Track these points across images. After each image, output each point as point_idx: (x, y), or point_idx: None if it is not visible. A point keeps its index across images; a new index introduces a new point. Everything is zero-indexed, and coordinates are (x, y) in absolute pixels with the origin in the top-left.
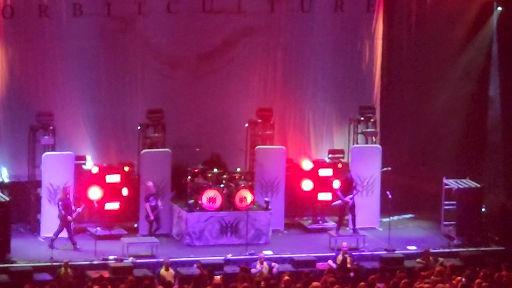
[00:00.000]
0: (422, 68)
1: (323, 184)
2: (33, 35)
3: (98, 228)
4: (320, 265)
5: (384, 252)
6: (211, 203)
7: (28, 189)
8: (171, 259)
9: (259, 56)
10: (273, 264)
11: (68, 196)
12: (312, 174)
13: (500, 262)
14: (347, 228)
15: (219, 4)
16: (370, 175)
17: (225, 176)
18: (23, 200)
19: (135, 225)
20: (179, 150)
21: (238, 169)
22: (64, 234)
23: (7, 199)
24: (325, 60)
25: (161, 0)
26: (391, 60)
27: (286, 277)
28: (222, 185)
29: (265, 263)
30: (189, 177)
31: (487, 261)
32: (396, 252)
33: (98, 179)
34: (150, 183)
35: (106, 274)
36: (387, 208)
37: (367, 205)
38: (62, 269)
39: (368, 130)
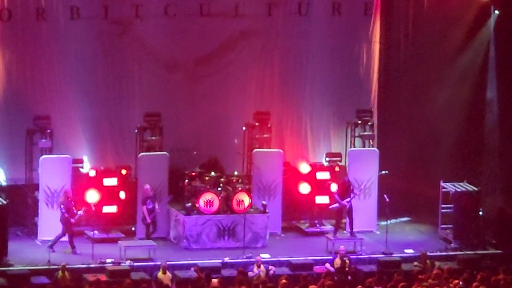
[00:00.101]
0: (419, 71)
1: (320, 187)
2: (30, 38)
3: (96, 232)
4: (317, 269)
5: (382, 256)
6: (208, 206)
7: (26, 192)
8: (168, 263)
9: (257, 59)
10: (270, 267)
11: (69, 199)
12: (309, 177)
13: (497, 266)
14: (345, 232)
15: (216, 7)
16: (367, 178)
17: (222, 179)
18: (21, 203)
19: (133, 229)
20: (176, 153)
21: (236, 172)
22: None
23: (5, 202)
24: (323, 63)
25: (158, 3)
26: (389, 63)
27: (284, 281)
28: (219, 188)
29: (262, 266)
30: (187, 180)
31: (484, 264)
32: (393, 255)
33: (95, 182)
34: (147, 186)
35: (103, 277)
36: (384, 212)
37: (365, 208)
38: (60, 272)
39: (366, 133)
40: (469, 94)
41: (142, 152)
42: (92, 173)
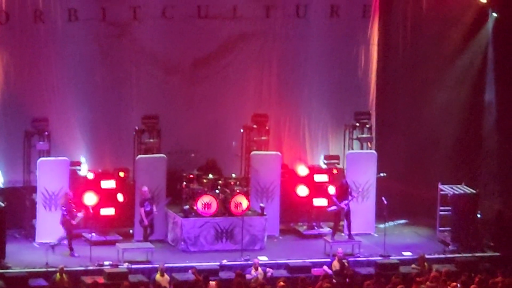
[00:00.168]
0: (417, 73)
1: (318, 189)
2: (28, 40)
3: (93, 234)
4: (315, 271)
5: (380, 258)
6: (206, 208)
7: (23, 195)
8: (166, 265)
9: (255, 61)
10: (267, 269)
11: (70, 201)
12: (307, 180)
13: (495, 268)
14: (343, 234)
15: (214, 9)
16: (365, 181)
17: (220, 181)
18: (18, 205)
19: (130, 231)
20: (174, 156)
21: (234, 175)
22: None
23: (2, 204)
24: (321, 65)
25: (156, 5)
26: (387, 65)
27: (281, 283)
28: (217, 191)
29: (260, 269)
30: (184, 183)
31: (482, 267)
32: (391, 258)
33: (93, 185)
34: (145, 188)
35: (101, 279)
36: (382, 214)
37: (363, 211)
38: (58, 274)
39: (364, 136)
40: (467, 96)
41: (140, 154)
42: (90, 176)
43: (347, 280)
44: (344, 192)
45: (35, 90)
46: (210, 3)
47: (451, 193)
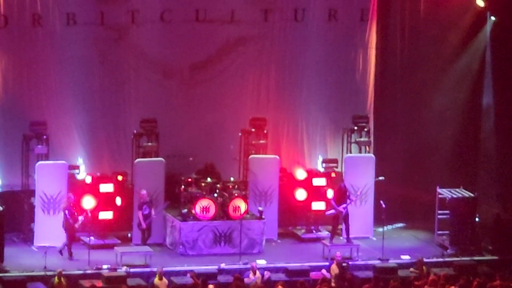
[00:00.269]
0: (415, 77)
1: (316, 193)
2: (26, 44)
3: (92, 238)
4: (313, 275)
5: (378, 262)
6: (204, 212)
7: (22, 198)
8: (164, 269)
9: (253, 65)
10: (265, 272)
11: (72, 204)
12: (305, 184)
13: (493, 272)
14: (341, 238)
15: (212, 13)
16: (363, 184)
17: (218, 185)
18: (17, 209)
19: (129, 235)
20: (172, 159)
21: (232, 179)
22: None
23: (1, 208)
24: (319, 69)
25: (154, 9)
26: (385, 69)
27: (280, 287)
28: (215, 195)
29: (257, 272)
30: (183, 187)
31: (480, 270)
32: (389, 261)
33: (91, 189)
34: (144, 192)
35: (99, 283)
36: (380, 218)
37: (361, 214)
38: (56, 278)
39: (362, 139)
40: (466, 100)
41: (138, 158)
42: (88, 179)
43: (346, 284)
44: (342, 195)
45: (33, 94)
46: (208, 7)
47: (450, 196)
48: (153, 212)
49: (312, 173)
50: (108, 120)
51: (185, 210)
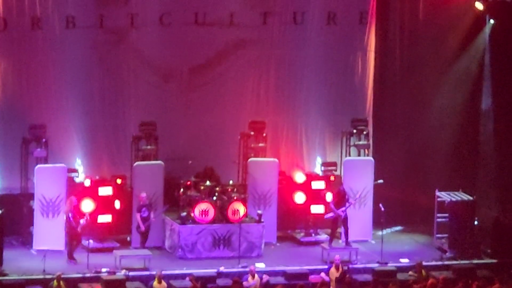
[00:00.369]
0: (414, 80)
1: (315, 196)
2: (26, 47)
3: (91, 241)
4: (312, 278)
5: (377, 265)
6: (203, 215)
7: (21, 202)
8: (163, 272)
9: (252, 68)
10: (264, 276)
11: (75, 207)
12: (304, 187)
13: (492, 275)
14: (340, 241)
15: (212, 16)
16: (362, 187)
17: (217, 188)
18: (16, 212)
19: (128, 238)
20: (171, 163)
21: (231, 182)
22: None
23: (0, 211)
24: (318, 72)
25: (153, 12)
26: (384, 72)
27: None
28: (214, 198)
29: (256, 276)
30: (182, 190)
31: (479, 273)
32: (388, 264)
33: (90, 192)
34: (144, 194)
35: (98, 286)
36: (379, 221)
37: (360, 217)
38: (55, 281)
39: (361, 142)
40: (465, 103)
41: (138, 161)
42: (87, 183)
43: (345, 287)
44: (341, 199)
45: (32, 97)
46: (208, 10)
47: (449, 199)
48: (152, 215)
49: (311, 176)
50: (107, 123)
51: (184, 214)
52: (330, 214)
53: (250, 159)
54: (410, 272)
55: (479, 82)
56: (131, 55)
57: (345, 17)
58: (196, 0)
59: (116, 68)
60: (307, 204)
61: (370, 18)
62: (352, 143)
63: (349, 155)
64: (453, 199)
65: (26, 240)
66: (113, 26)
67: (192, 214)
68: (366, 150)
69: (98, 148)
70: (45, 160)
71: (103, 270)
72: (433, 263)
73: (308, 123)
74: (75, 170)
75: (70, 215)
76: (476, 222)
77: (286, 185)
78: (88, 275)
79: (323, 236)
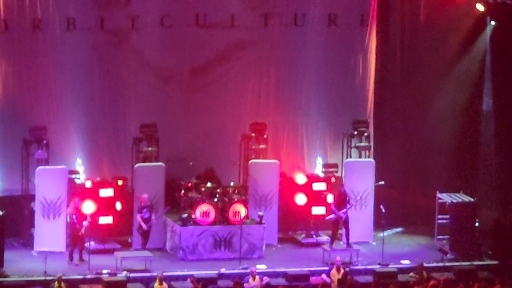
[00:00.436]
0: (415, 82)
1: (316, 198)
2: (26, 49)
3: (92, 242)
4: (313, 279)
5: (378, 266)
6: (204, 217)
7: (22, 203)
8: (164, 273)
9: (253, 70)
10: (264, 278)
11: (78, 209)
12: (305, 188)
13: (493, 276)
14: (341, 242)
15: (212, 18)
16: (363, 189)
17: (218, 190)
18: (17, 214)
19: (129, 240)
20: (172, 164)
21: (232, 183)
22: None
23: (1, 213)
24: (319, 74)
25: (154, 14)
26: (385, 74)
27: None
28: (215, 199)
29: (257, 277)
30: (183, 191)
31: (480, 275)
32: (389, 266)
33: (91, 193)
34: (145, 195)
35: None
36: (380, 222)
37: (361, 219)
38: (56, 283)
39: (362, 144)
40: (466, 104)
41: (138, 163)
42: (88, 184)
43: None
44: (342, 200)
45: (33, 99)
46: (208, 11)
47: (449, 201)
48: (153, 217)
49: (312, 178)
50: (108, 125)
51: (185, 215)
52: (331, 216)
53: (251, 161)
54: (411, 274)
55: (480, 84)
56: (131, 57)
57: (346, 19)
58: (196, 2)
59: (117, 70)
60: (308, 205)
61: (371, 20)
62: (353, 145)
63: (350, 157)
64: (454, 201)
65: (27, 242)
66: (113, 28)
67: (193, 216)
68: (367, 151)
69: (99, 150)
70: (46, 162)
71: (104, 271)
72: (434, 264)
73: (309, 125)
74: (76, 172)
75: (74, 217)
76: (477, 224)
77: (287, 186)
78: (89, 276)
79: (324, 238)
